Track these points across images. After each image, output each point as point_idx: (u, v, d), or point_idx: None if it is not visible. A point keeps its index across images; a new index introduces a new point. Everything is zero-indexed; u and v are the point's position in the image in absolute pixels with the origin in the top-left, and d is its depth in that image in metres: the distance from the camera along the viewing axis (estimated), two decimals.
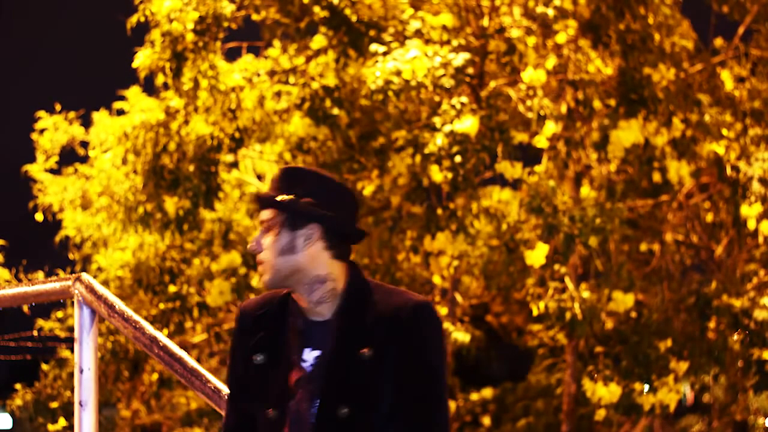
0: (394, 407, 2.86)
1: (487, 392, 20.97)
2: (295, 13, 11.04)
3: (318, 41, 10.96)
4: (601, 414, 11.90)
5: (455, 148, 10.40)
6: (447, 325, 11.91)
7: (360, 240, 2.96)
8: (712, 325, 11.90)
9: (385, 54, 10.48)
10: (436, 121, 10.60)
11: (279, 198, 2.88)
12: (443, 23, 10.91)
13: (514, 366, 22.97)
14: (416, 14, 10.96)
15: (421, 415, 2.87)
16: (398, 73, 10.25)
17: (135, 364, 12.38)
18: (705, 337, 11.87)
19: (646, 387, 11.51)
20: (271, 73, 11.27)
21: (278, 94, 11.20)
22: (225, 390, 3.52)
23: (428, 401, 2.88)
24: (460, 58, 10.51)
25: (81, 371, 3.71)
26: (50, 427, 12.33)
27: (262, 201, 2.93)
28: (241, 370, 2.99)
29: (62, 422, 12.22)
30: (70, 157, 12.16)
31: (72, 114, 12.02)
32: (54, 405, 12.30)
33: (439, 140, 10.41)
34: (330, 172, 3.03)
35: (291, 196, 2.87)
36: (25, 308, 10.16)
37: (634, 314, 11.83)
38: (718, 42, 12.71)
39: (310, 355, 2.90)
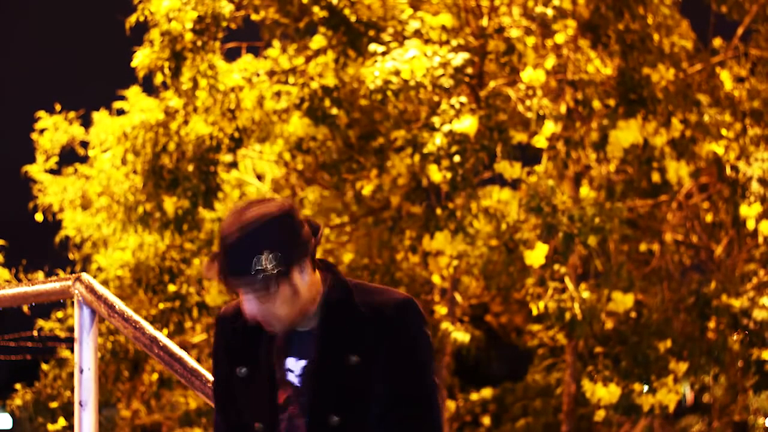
0: (386, 407, 2.83)
1: (487, 392, 20.97)
2: (295, 13, 11.04)
3: (317, 41, 10.96)
4: (600, 414, 11.91)
5: (454, 148, 10.40)
6: (446, 325, 11.92)
7: (318, 235, 2.87)
8: (711, 325, 11.89)
9: (384, 54, 10.48)
10: (435, 120, 10.60)
11: (254, 276, 2.73)
12: (442, 23, 10.90)
13: (514, 366, 22.97)
14: (415, 14, 10.95)
15: (415, 413, 2.85)
16: (397, 73, 10.25)
17: (135, 364, 12.38)
18: (705, 337, 11.87)
19: (646, 387, 11.51)
20: (271, 73, 11.27)
21: (277, 94, 11.19)
22: None
23: (421, 399, 2.85)
24: (459, 58, 10.51)
25: (81, 371, 3.71)
26: (50, 427, 12.32)
27: (240, 285, 2.78)
28: (225, 380, 2.95)
29: (62, 422, 12.22)
30: (70, 157, 12.16)
31: (72, 114, 12.03)
32: (54, 405, 12.30)
33: (438, 140, 10.41)
34: (266, 202, 2.89)
35: (264, 267, 2.73)
36: (25, 308, 10.16)
37: (633, 314, 11.82)
38: (717, 42, 12.71)
39: (296, 365, 2.85)
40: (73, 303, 3.78)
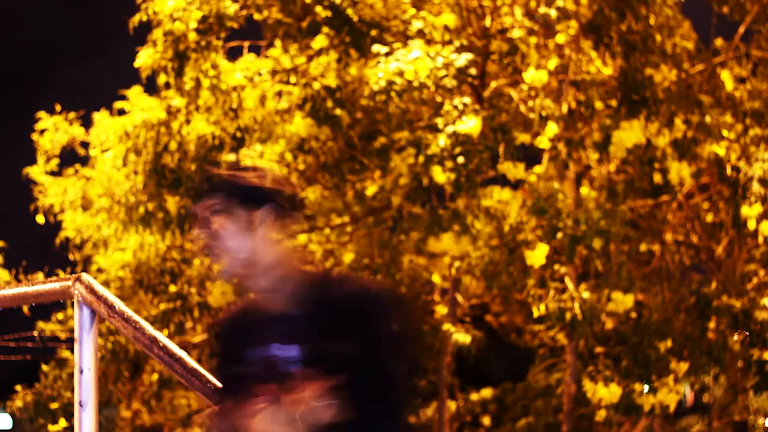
0: None
1: (487, 392, 20.96)
2: (297, 12, 11.03)
3: (320, 41, 10.95)
4: (601, 414, 11.89)
5: (458, 149, 10.39)
6: (447, 325, 11.90)
7: None
8: (712, 325, 11.89)
9: (387, 54, 10.47)
10: (439, 121, 10.58)
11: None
12: (445, 23, 10.89)
13: (515, 366, 22.94)
14: (418, 14, 10.94)
15: None
16: (401, 74, 10.24)
17: (135, 365, 12.38)
18: (705, 337, 11.86)
19: (646, 387, 11.50)
20: (273, 73, 11.26)
21: (279, 94, 11.19)
22: None
23: None
24: (462, 59, 10.50)
25: (81, 372, 3.71)
26: (50, 427, 12.32)
27: None
28: None
29: (62, 423, 12.21)
30: (71, 158, 12.16)
31: (72, 114, 12.02)
32: (54, 406, 12.30)
33: (441, 141, 10.40)
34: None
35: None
36: (26, 309, 10.16)
37: (634, 314, 11.82)
38: (719, 42, 12.70)
39: None
40: (73, 303, 3.78)
